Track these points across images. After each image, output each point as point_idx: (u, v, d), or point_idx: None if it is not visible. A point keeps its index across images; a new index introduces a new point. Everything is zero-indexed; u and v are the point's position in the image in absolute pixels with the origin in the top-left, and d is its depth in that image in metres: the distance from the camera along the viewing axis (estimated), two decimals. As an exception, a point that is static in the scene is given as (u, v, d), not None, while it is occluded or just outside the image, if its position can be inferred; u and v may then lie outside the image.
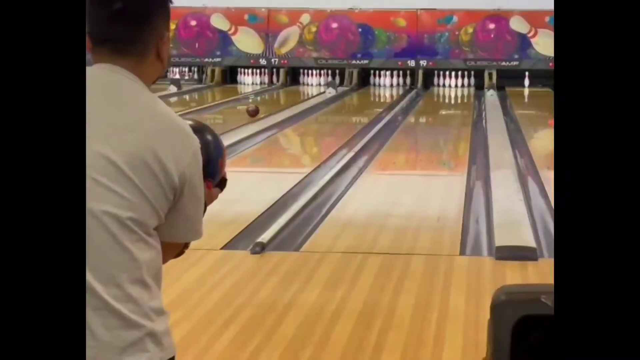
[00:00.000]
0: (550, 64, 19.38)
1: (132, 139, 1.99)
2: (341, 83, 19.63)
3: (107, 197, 1.97)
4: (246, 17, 20.61)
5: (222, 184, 2.43)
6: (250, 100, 18.89)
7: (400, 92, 19.39)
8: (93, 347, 1.97)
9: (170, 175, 2.01)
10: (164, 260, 2.11)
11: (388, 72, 20.22)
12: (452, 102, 18.82)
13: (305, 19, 20.30)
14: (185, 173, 2.04)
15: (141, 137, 2.00)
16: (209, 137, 2.31)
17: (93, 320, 1.96)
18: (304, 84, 20.16)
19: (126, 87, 2.08)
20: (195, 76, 20.98)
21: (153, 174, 2.00)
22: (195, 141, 2.09)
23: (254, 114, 13.72)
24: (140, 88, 2.09)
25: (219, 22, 20.70)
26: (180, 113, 16.17)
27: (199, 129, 2.22)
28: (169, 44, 2.20)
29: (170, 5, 2.18)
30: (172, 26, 20.75)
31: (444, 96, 19.45)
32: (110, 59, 2.09)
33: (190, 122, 2.21)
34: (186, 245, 2.21)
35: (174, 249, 2.17)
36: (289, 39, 20.40)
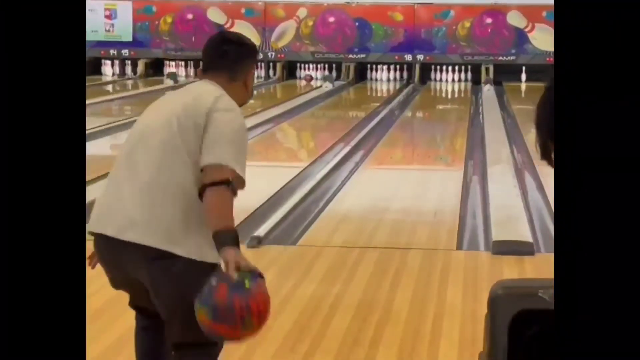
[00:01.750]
0: (548, 59, 19.38)
1: (192, 114, 3.16)
2: (338, 77, 19.63)
3: (178, 136, 3.10)
4: (243, 10, 20.59)
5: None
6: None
7: (397, 86, 19.38)
8: (154, 235, 3.05)
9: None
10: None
11: (385, 67, 20.21)
12: (449, 96, 18.82)
13: (302, 12, 20.29)
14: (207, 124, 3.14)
15: (196, 112, 3.16)
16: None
17: (155, 214, 3.05)
18: (300, 78, 20.14)
19: (206, 87, 3.30)
20: (192, 70, 20.97)
21: (198, 130, 3.12)
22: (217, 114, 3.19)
23: (308, 79, 15.71)
24: (216, 89, 3.27)
25: (215, 16, 20.68)
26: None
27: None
28: (254, 77, 3.48)
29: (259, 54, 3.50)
30: (169, 20, 20.77)
31: (441, 91, 19.45)
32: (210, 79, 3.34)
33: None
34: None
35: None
36: (285, 33, 20.39)
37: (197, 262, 3.09)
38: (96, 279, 5.27)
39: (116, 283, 3.35)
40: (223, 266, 3.04)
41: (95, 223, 3.18)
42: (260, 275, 3.07)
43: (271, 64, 20.56)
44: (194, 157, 3.10)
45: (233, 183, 3.15)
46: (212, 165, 3.08)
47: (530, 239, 6.16)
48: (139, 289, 3.20)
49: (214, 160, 3.09)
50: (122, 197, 3.12)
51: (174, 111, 3.18)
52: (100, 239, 3.18)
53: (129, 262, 3.12)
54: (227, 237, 3.04)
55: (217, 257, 3.04)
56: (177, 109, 3.18)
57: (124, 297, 5.03)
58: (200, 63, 3.43)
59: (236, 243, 3.05)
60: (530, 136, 11.99)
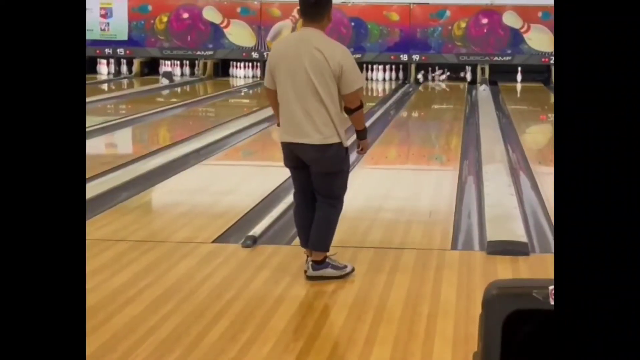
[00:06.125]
0: (543, 59, 19.40)
1: (318, 58, 5.16)
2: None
3: (309, 74, 5.18)
4: (238, 9, 20.59)
5: None
6: (242, 93, 18.84)
7: (393, 86, 19.39)
8: (312, 126, 5.17)
9: (333, 69, 5.17)
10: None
11: (381, 66, 20.22)
12: (445, 96, 18.82)
13: (297, 12, 20.28)
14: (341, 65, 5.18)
15: (322, 57, 5.16)
16: None
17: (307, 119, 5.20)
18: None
19: (316, 34, 5.20)
20: (187, 69, 20.97)
21: (327, 71, 5.16)
22: (344, 52, 5.26)
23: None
24: (322, 35, 5.21)
25: (211, 15, 20.68)
26: (172, 106, 16.13)
27: None
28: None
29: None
30: (164, 19, 20.76)
31: (436, 91, 19.45)
32: (308, 25, 5.23)
33: None
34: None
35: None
36: (281, 32, 20.38)
37: None
38: (92, 276, 5.28)
39: None
40: None
41: None
42: None
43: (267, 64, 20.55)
44: None
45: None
46: None
47: (524, 239, 6.17)
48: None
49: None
50: None
51: None
52: None
53: None
54: None
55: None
56: None
57: (119, 294, 5.05)
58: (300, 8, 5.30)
59: None
60: (525, 136, 12.01)
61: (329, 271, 5.30)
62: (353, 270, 5.39)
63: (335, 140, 5.20)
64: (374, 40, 20.20)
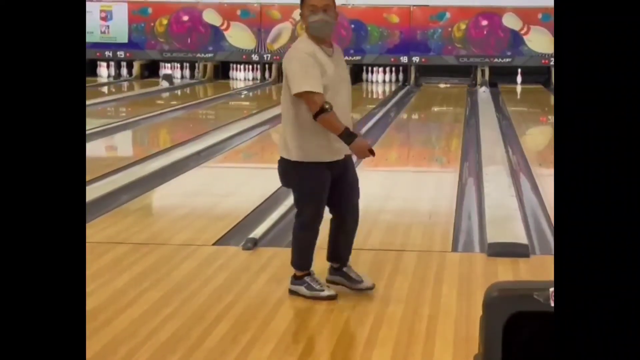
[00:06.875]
0: (543, 61, 19.40)
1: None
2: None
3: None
4: (238, 12, 20.60)
5: None
6: (242, 96, 18.83)
7: (393, 88, 19.39)
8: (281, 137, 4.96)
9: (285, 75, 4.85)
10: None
11: (380, 69, 20.22)
12: (445, 98, 18.82)
13: (297, 14, 20.27)
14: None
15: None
16: None
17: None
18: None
19: (298, 39, 5.11)
20: (187, 72, 20.98)
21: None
22: (291, 55, 4.96)
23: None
24: (298, 39, 5.15)
25: (211, 17, 20.69)
26: (172, 108, 16.13)
27: None
28: (307, 17, 5.16)
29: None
30: (165, 21, 20.76)
31: (436, 93, 19.44)
32: None
33: None
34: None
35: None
36: (281, 35, 20.39)
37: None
38: (93, 278, 5.28)
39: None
40: None
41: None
42: None
43: (267, 66, 20.57)
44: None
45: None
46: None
47: (525, 240, 6.16)
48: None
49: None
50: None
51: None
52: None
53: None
54: None
55: None
56: None
57: (120, 296, 5.05)
58: None
59: None
60: (526, 138, 12.01)
61: (301, 289, 5.02)
62: (332, 297, 4.98)
63: (282, 154, 5.02)
64: (374, 42, 20.20)
